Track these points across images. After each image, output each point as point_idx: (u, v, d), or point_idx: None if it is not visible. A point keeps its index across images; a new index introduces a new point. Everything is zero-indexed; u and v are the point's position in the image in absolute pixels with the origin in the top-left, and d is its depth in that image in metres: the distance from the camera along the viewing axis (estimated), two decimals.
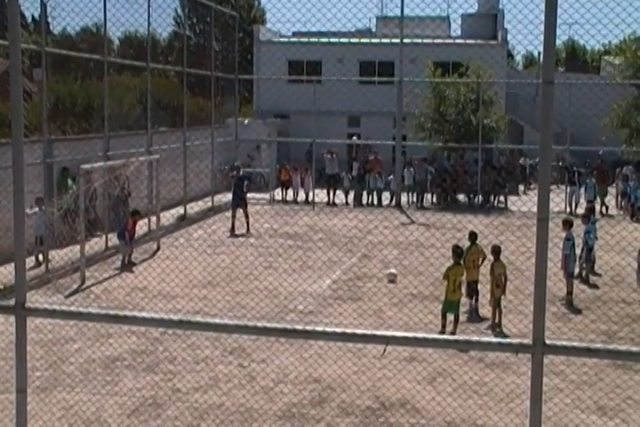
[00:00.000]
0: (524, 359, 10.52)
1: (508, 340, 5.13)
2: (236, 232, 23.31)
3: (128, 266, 18.83)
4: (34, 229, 17.90)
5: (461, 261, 14.08)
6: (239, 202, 24.06)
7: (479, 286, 14.98)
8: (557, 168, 31.04)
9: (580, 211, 27.65)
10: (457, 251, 14.16)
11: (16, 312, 5.62)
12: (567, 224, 16.35)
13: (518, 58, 70.49)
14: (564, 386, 11.18)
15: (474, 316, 14.67)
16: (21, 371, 5.53)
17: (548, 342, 4.66)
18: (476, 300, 14.97)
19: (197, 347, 12.78)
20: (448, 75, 32.77)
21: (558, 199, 27.32)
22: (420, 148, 32.52)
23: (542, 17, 4.38)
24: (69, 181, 20.77)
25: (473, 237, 15.44)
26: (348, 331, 5.25)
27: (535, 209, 4.90)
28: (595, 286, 17.21)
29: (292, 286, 15.82)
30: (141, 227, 22.55)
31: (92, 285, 17.14)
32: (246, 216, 23.76)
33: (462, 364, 12.14)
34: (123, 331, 13.31)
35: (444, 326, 13.65)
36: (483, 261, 15.10)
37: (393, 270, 17.77)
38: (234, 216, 23.80)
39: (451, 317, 13.70)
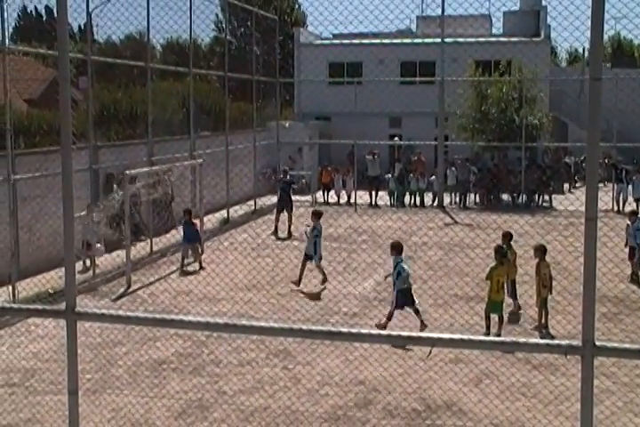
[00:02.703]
0: (573, 361, 10.39)
1: (556, 341, 5.05)
2: (279, 235, 23.40)
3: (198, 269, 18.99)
4: (82, 234, 18.11)
5: (504, 262, 13.94)
6: (285, 205, 24.18)
7: (519, 286, 14.82)
8: (604, 166, 30.63)
9: (628, 209, 27.36)
10: (500, 251, 14.03)
11: (67, 316, 5.68)
12: (634, 215, 17.34)
13: (562, 54, 69.71)
14: (615, 389, 11.01)
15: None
16: (72, 373, 5.58)
17: (598, 343, 4.58)
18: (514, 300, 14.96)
19: (242, 350, 12.82)
20: (490, 73, 32.53)
21: (606, 198, 26.98)
22: (463, 147, 32.31)
23: (589, 12, 4.31)
24: (114, 187, 20.99)
25: (508, 237, 15.39)
26: (394, 333, 5.22)
27: (581, 208, 4.82)
28: None
29: (337, 288, 15.80)
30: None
31: (139, 288, 17.28)
32: (289, 219, 23.85)
33: (509, 365, 12.01)
34: (169, 334, 13.39)
35: (488, 327, 13.54)
36: (515, 260, 15.13)
37: (99, 246, 17.99)
38: (277, 219, 23.91)
39: (495, 318, 13.58)
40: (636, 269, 17.30)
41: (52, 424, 9.78)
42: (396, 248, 14.34)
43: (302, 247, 21.21)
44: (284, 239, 22.90)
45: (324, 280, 16.90)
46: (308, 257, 17.10)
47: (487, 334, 13.39)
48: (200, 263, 19.15)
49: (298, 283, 16.77)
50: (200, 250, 19.66)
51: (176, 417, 10.31)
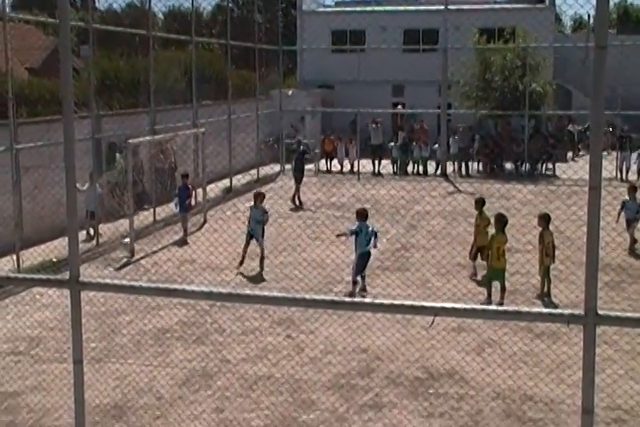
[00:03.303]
0: (576, 329, 10.42)
1: (559, 310, 5.06)
2: (297, 205, 23.57)
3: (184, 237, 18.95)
4: (85, 203, 18.12)
5: (504, 230, 13.95)
6: (299, 175, 24.14)
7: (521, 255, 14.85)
8: (607, 134, 30.47)
9: (632, 177, 27.28)
10: (501, 219, 14.03)
11: (70, 286, 5.69)
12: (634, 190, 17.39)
13: (567, 21, 69.03)
14: (617, 357, 11.06)
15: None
16: (77, 343, 5.60)
17: (600, 312, 4.58)
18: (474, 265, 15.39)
19: (246, 319, 12.87)
20: (494, 41, 32.26)
21: (610, 167, 26.89)
22: (466, 116, 32.15)
23: None
24: (117, 156, 20.95)
25: (480, 203, 15.69)
26: (396, 302, 5.22)
27: (585, 176, 4.79)
28: None
29: (340, 257, 15.82)
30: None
31: (142, 258, 17.33)
32: (297, 189, 23.85)
33: (511, 334, 12.06)
34: (172, 303, 13.44)
35: (489, 294, 13.59)
36: (487, 226, 15.22)
37: (126, 240, 17.89)
38: (297, 189, 23.88)
39: (497, 286, 13.61)
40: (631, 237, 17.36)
41: (57, 392, 9.86)
42: (362, 215, 14.53)
43: (308, 216, 21.25)
44: (297, 209, 22.92)
45: (263, 260, 16.16)
46: (252, 237, 16.33)
47: (489, 301, 13.44)
48: (185, 234, 19.11)
49: (240, 263, 16.10)
50: (187, 221, 19.47)
51: (180, 385, 10.39)
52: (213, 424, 9.26)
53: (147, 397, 10.03)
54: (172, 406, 9.78)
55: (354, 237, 14.44)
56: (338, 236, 15.29)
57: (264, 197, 16.73)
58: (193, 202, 20.21)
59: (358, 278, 14.39)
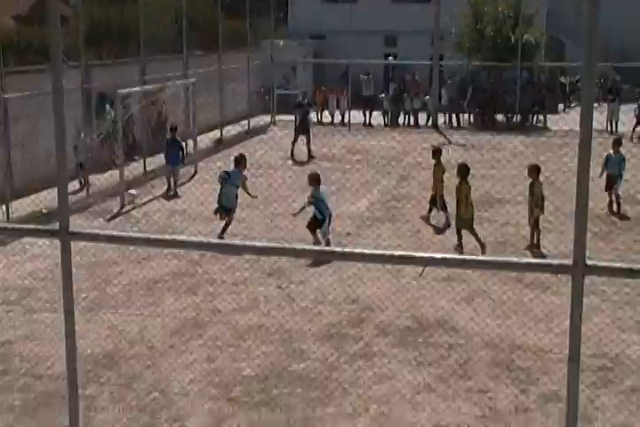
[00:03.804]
0: (564, 279, 10.51)
1: (547, 260, 5.08)
2: (295, 158, 23.12)
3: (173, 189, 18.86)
4: (75, 154, 17.99)
5: (467, 179, 14.20)
6: (303, 129, 23.73)
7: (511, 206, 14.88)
8: (599, 86, 30.27)
9: (621, 128, 27.20)
10: (464, 169, 14.25)
11: (60, 237, 5.64)
12: (618, 144, 16.67)
13: None
14: (604, 306, 11.16)
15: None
16: (68, 293, 5.59)
17: (589, 262, 4.56)
18: (430, 210, 15.86)
19: (237, 269, 12.91)
20: None
21: (601, 118, 26.78)
22: (458, 67, 31.87)
23: None
24: (107, 107, 20.75)
25: (438, 153, 16.06)
26: (387, 252, 5.19)
27: (576, 128, 4.76)
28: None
29: (330, 208, 15.81)
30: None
31: (133, 208, 17.30)
32: (308, 142, 23.41)
33: (501, 284, 12.15)
34: (164, 254, 13.46)
35: (460, 241, 13.90)
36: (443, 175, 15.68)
37: (133, 191, 17.96)
38: (294, 143, 23.50)
39: (471, 237, 13.91)
40: (616, 198, 16.58)
41: (49, 341, 9.91)
42: (315, 180, 14.22)
43: (296, 167, 21.17)
44: (302, 163, 22.52)
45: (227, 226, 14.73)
46: (224, 208, 14.79)
47: (460, 249, 13.67)
48: (175, 187, 18.97)
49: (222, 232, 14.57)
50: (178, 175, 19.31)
51: (171, 335, 10.45)
52: (204, 373, 9.34)
53: (138, 346, 10.09)
54: (164, 355, 9.85)
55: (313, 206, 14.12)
56: (294, 215, 14.46)
57: (246, 162, 15.33)
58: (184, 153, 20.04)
59: (320, 237, 13.96)
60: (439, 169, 15.77)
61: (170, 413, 8.43)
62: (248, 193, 15.41)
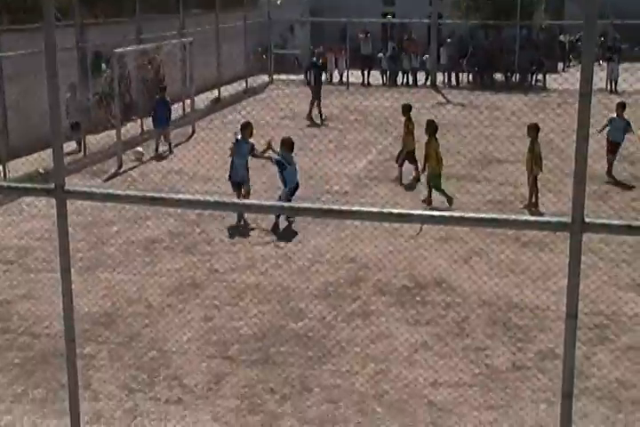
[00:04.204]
0: (561, 237, 10.48)
1: (546, 218, 5.01)
2: (314, 120, 22.65)
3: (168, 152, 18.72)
4: (70, 115, 17.83)
5: (435, 135, 14.48)
6: (317, 89, 23.24)
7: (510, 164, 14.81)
8: (598, 44, 29.95)
9: (621, 88, 27.00)
10: (431, 125, 14.47)
11: (56, 195, 5.57)
12: (622, 107, 16.31)
13: None
14: (601, 264, 11.15)
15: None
16: (64, 251, 5.54)
17: (587, 220, 4.52)
18: (416, 168, 15.82)
19: (233, 228, 12.85)
20: None
21: (597, 77, 26.53)
22: (457, 26, 31.54)
23: None
24: (103, 66, 20.53)
25: (407, 109, 16.32)
26: (385, 210, 5.14)
27: (574, 86, 4.67)
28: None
29: (327, 167, 15.75)
30: (176, 109, 22.45)
31: (130, 169, 17.21)
32: (319, 104, 23.03)
33: (498, 243, 12.13)
34: (161, 213, 13.42)
35: (429, 195, 14.20)
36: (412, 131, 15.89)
37: (139, 148, 17.98)
38: (312, 103, 23.04)
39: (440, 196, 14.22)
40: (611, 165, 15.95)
41: (46, 300, 9.91)
42: (288, 145, 13.54)
43: (296, 127, 21.01)
44: (319, 125, 22.17)
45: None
46: (238, 185, 13.58)
47: (429, 200, 14.14)
48: (170, 146, 18.87)
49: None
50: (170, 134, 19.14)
51: (168, 294, 10.45)
52: (202, 332, 9.35)
53: (136, 305, 10.09)
54: (161, 314, 9.85)
55: (279, 171, 13.30)
56: (256, 155, 13.63)
57: (253, 129, 13.88)
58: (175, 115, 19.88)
59: (282, 220, 13.08)
60: (410, 125, 15.98)
61: (168, 371, 8.45)
62: (263, 156, 13.88)
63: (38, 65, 16.45)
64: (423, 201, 14.22)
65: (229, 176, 13.66)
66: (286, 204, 6.45)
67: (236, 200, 5.52)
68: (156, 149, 18.61)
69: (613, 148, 16.07)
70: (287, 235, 12.72)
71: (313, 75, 23.66)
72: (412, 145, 15.75)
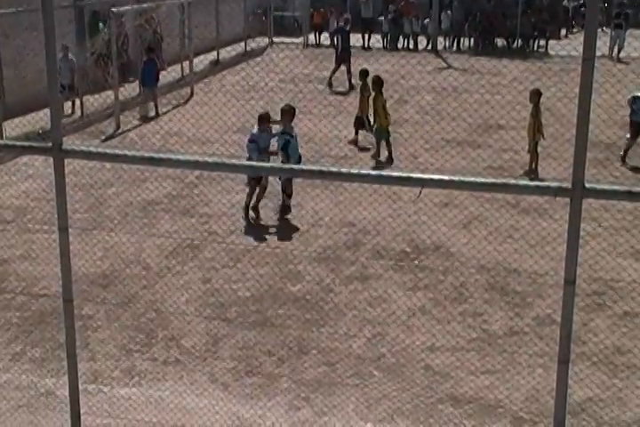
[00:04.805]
0: (561, 204, 10.47)
1: (546, 183, 5.01)
2: (334, 86, 22.06)
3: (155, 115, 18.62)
4: (61, 76, 17.67)
5: (382, 91, 15.10)
6: (345, 58, 22.42)
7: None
8: (603, 10, 29.68)
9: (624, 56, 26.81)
10: (377, 82, 15.09)
11: (54, 154, 5.56)
12: None
13: None
14: (601, 231, 11.17)
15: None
16: (62, 210, 5.53)
17: (587, 185, 4.52)
18: (356, 133, 16.18)
19: (235, 192, 12.84)
20: None
21: (601, 42, 26.33)
22: None
23: None
24: (100, 25, 20.35)
25: (364, 75, 16.37)
26: (384, 173, 5.14)
27: (577, 52, 4.64)
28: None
29: (327, 131, 15.69)
30: (175, 71, 22.32)
31: (128, 130, 17.15)
32: (349, 72, 22.07)
33: (498, 208, 12.14)
34: (159, 175, 13.39)
35: (379, 150, 14.94)
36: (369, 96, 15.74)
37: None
38: (334, 71, 22.39)
39: (383, 143, 14.98)
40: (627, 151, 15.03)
41: (44, 260, 9.93)
42: (289, 114, 12.19)
43: (296, 90, 20.87)
44: (344, 93, 21.51)
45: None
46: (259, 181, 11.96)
47: (378, 156, 14.88)
48: (156, 108, 18.78)
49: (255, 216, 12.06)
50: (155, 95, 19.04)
51: (166, 255, 10.47)
52: (200, 293, 9.38)
53: (133, 267, 10.12)
54: (159, 276, 9.88)
55: (281, 147, 12.03)
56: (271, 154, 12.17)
57: (269, 119, 12.26)
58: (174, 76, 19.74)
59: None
60: (365, 90, 16.00)
61: (165, 332, 8.50)
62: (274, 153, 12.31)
63: (35, 23, 16.37)
64: (372, 157, 14.98)
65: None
66: (286, 166, 6.41)
67: (235, 161, 5.50)
68: (156, 111, 18.55)
69: (636, 130, 14.80)
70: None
71: (341, 40, 22.76)
72: (367, 110, 15.84)
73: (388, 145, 15.01)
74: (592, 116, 4.34)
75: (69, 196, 5.42)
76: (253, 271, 9.97)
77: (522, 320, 8.81)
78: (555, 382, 4.71)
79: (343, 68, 22.32)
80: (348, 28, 23.90)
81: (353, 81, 21.44)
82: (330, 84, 22.18)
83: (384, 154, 15.09)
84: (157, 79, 19.03)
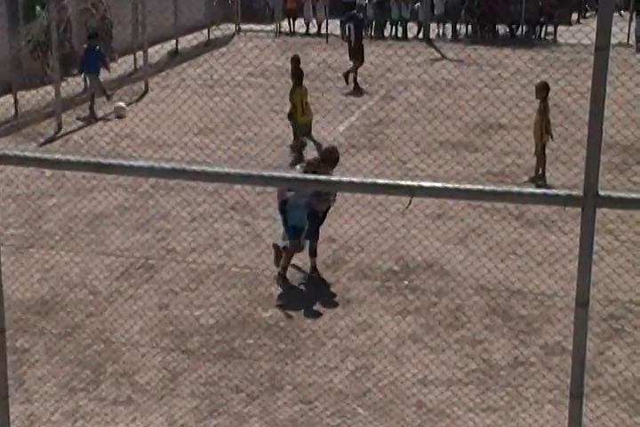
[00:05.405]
0: (572, 214, 10.53)
1: (554, 191, 5.05)
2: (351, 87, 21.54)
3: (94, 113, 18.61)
4: None
5: (302, 83, 15.71)
6: (358, 51, 21.93)
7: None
8: None
9: None
10: (296, 72, 15.80)
11: None
12: None
13: None
14: (617, 245, 11.24)
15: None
16: None
17: (601, 192, 4.54)
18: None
19: (197, 203, 12.83)
20: None
21: (617, 28, 26.58)
22: None
23: None
24: (37, 9, 20.27)
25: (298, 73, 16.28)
26: (368, 180, 5.15)
27: (588, 41, 4.68)
28: None
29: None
30: (127, 63, 22.30)
31: (72, 131, 17.11)
32: (356, 68, 21.72)
33: (499, 220, 12.19)
34: (108, 183, 13.37)
35: (300, 151, 15.14)
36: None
37: (121, 104, 18.16)
38: (356, 68, 21.70)
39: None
40: None
41: None
42: (331, 161, 10.37)
43: (263, 84, 20.90)
44: (359, 94, 21.17)
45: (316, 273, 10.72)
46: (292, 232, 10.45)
47: (299, 157, 14.76)
48: (92, 105, 18.80)
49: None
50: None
51: (117, 277, 10.43)
52: (156, 322, 9.35)
53: (78, 291, 10.06)
54: (109, 301, 9.84)
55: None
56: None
57: (337, 161, 10.50)
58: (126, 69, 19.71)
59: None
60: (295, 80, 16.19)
61: (116, 366, 8.46)
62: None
63: None
64: (292, 148, 15.53)
65: (292, 229, 10.39)
66: (255, 172, 6.42)
67: (196, 168, 5.48)
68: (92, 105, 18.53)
69: None
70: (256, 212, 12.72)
71: (353, 29, 22.22)
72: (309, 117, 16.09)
73: (313, 141, 15.54)
74: (606, 114, 4.37)
75: (1, 208, 5.38)
76: (218, 295, 9.95)
77: (528, 349, 8.84)
78: (567, 421, 4.71)
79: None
80: (361, 16, 23.39)
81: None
82: (347, 81, 21.62)
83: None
84: (100, 70, 18.95)
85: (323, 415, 7.70)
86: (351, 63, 21.87)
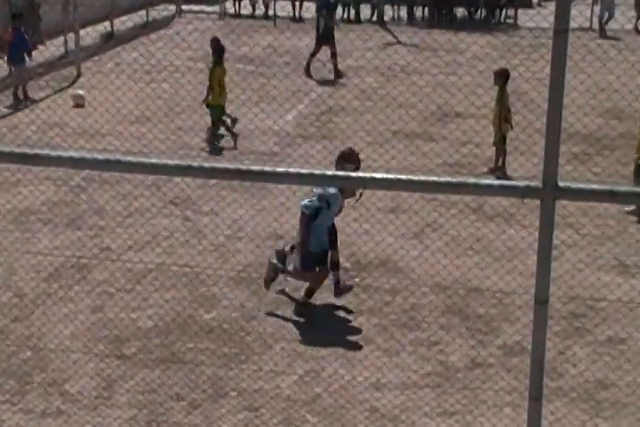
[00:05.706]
0: (531, 207, 10.62)
1: (512, 182, 5.10)
2: (312, 74, 21.30)
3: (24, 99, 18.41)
4: None
5: (222, 62, 16.10)
6: (327, 37, 21.67)
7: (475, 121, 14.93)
8: None
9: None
10: (217, 51, 16.08)
11: None
12: None
13: None
14: (578, 239, 11.37)
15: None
16: None
17: (561, 184, 4.60)
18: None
19: (134, 197, 12.76)
20: None
21: (576, 12, 26.79)
22: None
23: None
24: None
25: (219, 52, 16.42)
26: (317, 172, 5.16)
27: (547, 25, 4.71)
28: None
29: (252, 123, 15.70)
30: (56, 45, 22.09)
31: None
32: (334, 56, 21.51)
33: (455, 214, 12.27)
34: (35, 176, 13.26)
35: (228, 129, 15.69)
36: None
37: (80, 91, 18.24)
38: (313, 55, 21.62)
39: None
40: None
41: None
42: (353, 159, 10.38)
43: (207, 70, 20.82)
44: (331, 82, 20.92)
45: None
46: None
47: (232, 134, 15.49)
48: (25, 93, 18.60)
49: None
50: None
51: (45, 278, 10.34)
52: (89, 324, 9.29)
53: (2, 293, 9.96)
54: (36, 304, 9.76)
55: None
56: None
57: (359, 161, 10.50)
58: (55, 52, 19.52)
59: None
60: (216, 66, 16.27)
61: (44, 375, 8.39)
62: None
63: None
64: (207, 131, 15.94)
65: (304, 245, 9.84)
66: (195, 164, 6.41)
67: (131, 159, 5.45)
68: (15, 96, 18.31)
69: None
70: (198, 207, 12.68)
71: (327, 15, 22.02)
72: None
73: (225, 126, 15.79)
74: (566, 101, 4.42)
75: None
76: (157, 296, 9.91)
77: (485, 349, 8.92)
78: (526, 424, 4.77)
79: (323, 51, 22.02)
80: (332, 2, 23.12)
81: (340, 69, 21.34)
82: (308, 72, 21.48)
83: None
84: (29, 52, 18.77)
85: (270, 423, 7.71)
86: (312, 50, 21.76)
